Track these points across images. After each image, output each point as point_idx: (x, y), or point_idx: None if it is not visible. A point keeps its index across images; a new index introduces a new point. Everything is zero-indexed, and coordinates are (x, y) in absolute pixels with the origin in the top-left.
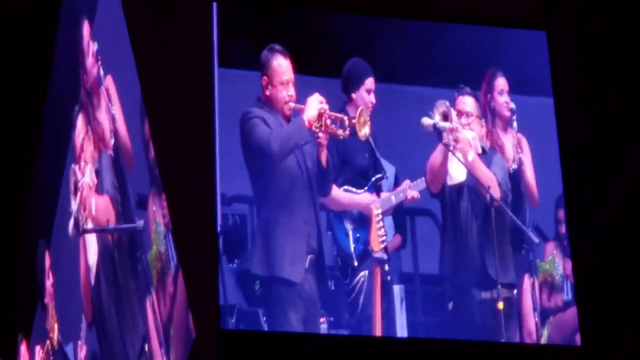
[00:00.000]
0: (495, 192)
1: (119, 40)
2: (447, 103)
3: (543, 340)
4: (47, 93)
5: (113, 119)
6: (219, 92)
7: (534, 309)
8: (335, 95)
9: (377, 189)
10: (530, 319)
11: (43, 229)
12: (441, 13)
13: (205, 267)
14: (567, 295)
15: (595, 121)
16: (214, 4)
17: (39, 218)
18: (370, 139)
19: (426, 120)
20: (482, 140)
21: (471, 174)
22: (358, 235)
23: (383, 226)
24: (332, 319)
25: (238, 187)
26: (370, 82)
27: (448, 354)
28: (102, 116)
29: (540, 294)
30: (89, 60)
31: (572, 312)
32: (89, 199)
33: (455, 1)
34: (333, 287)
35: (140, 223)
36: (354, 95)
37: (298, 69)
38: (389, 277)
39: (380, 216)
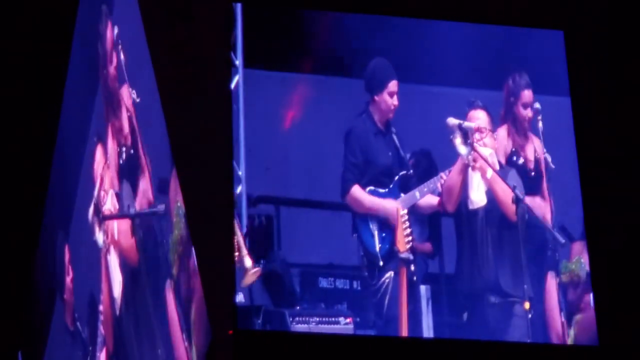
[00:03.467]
0: (512, 210)
1: (136, 42)
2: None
3: (570, 341)
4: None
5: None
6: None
7: (560, 309)
8: (357, 96)
9: (401, 187)
10: (557, 320)
11: (62, 221)
12: (458, 12)
13: (223, 267)
14: (593, 295)
15: (613, 120)
16: (238, 5)
17: (57, 210)
18: (394, 137)
19: (451, 120)
20: (496, 154)
21: (490, 195)
22: (384, 234)
23: (409, 226)
24: (358, 319)
25: (263, 188)
26: (393, 85)
27: (474, 355)
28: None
29: (566, 294)
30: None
31: None
32: (111, 223)
33: (474, 1)
34: (359, 288)
35: (161, 207)
36: (376, 98)
37: (319, 70)
38: (414, 278)
39: (406, 216)
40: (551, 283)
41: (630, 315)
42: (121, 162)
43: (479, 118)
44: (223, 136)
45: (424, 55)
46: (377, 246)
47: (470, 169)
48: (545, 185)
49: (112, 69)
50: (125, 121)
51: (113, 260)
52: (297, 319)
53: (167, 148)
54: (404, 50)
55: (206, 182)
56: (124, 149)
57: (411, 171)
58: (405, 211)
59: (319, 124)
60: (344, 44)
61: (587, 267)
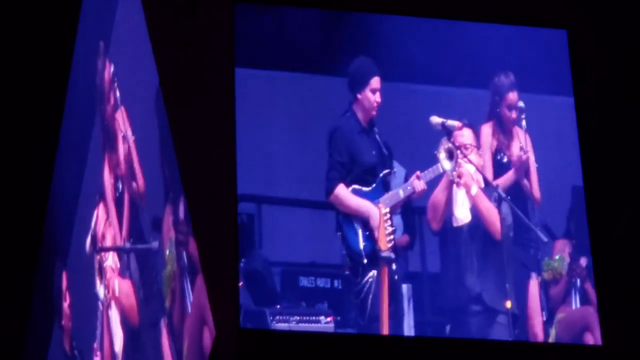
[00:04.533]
0: (497, 228)
1: (138, 41)
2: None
3: (551, 339)
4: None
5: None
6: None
7: (542, 308)
8: (341, 95)
9: (385, 185)
10: (538, 318)
11: (59, 248)
12: (460, 10)
13: (225, 266)
14: (575, 293)
15: (616, 120)
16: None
17: (55, 237)
18: (377, 136)
19: (434, 119)
20: (482, 171)
21: (475, 212)
22: (367, 233)
23: (391, 224)
24: (339, 318)
25: (245, 186)
26: (375, 82)
27: (455, 353)
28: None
29: (548, 292)
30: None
31: (581, 311)
32: (113, 280)
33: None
34: (340, 287)
35: (155, 244)
36: (359, 96)
37: (307, 68)
38: (396, 277)
39: (389, 215)
40: (532, 283)
41: (634, 315)
42: (117, 195)
43: (464, 135)
44: (225, 136)
45: (413, 53)
46: (361, 244)
47: (454, 185)
48: (527, 183)
49: (109, 109)
50: (122, 157)
51: (114, 316)
52: (277, 317)
53: (161, 182)
54: (393, 49)
55: (207, 181)
56: (119, 182)
57: (395, 170)
58: (388, 210)
59: (303, 123)
60: (328, 42)
61: (567, 265)
